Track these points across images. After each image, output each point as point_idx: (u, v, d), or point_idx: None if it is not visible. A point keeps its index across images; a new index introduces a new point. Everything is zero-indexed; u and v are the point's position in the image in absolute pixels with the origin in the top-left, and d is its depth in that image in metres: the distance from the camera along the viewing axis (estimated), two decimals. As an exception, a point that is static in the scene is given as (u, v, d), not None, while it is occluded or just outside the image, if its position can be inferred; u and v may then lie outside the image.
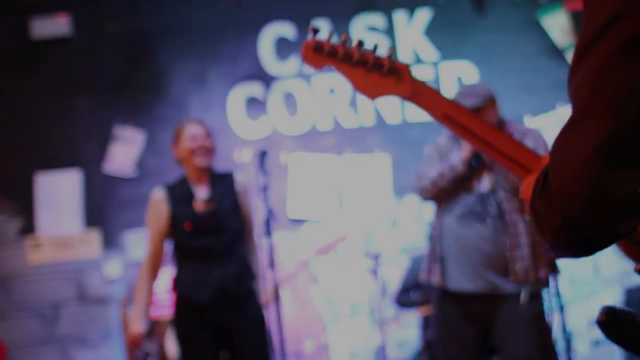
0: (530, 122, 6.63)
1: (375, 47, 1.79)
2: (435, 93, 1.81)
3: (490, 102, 4.11)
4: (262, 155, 4.47)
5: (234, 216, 4.51)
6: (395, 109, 6.78)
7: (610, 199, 1.13)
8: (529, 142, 4.08)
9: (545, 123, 6.63)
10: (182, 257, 4.50)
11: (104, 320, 6.40)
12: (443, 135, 4.32)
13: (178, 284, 4.46)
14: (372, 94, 1.82)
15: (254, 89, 6.83)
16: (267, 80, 6.84)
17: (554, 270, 4.04)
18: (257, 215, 4.71)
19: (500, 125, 4.18)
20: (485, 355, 4.17)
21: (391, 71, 1.79)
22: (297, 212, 6.47)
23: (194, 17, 6.86)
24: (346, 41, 1.80)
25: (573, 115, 1.19)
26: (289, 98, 6.81)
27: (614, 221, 1.15)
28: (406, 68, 1.81)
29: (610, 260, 6.49)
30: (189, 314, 4.42)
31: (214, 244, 4.40)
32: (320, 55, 1.81)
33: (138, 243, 6.24)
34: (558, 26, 6.95)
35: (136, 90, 6.79)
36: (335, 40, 1.80)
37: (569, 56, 6.87)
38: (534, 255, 3.97)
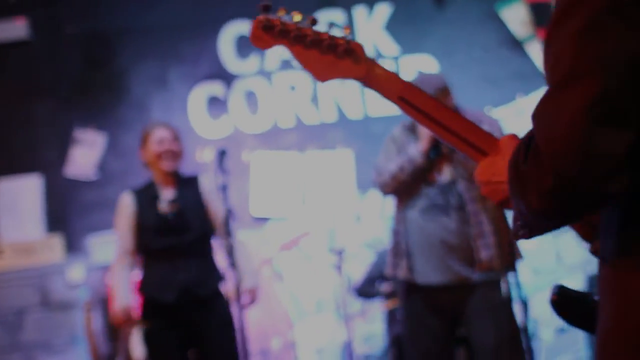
0: (490, 113, 6.64)
1: (331, 26, 1.70)
2: (391, 75, 1.71)
3: (442, 92, 4.10)
4: (221, 154, 4.45)
5: (200, 217, 4.51)
6: (356, 104, 6.79)
7: (603, 155, 1.14)
8: (485, 128, 4.08)
9: (506, 114, 6.65)
10: (148, 258, 4.52)
11: (69, 325, 6.35)
12: (400, 127, 4.32)
13: (144, 285, 4.48)
14: (324, 76, 1.72)
15: (215, 88, 6.81)
16: (227, 79, 6.82)
17: (518, 256, 4.04)
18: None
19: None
20: (454, 345, 4.20)
21: (347, 52, 1.69)
22: (261, 210, 6.46)
23: (153, 17, 6.82)
24: (300, 21, 1.69)
25: (557, 80, 1.19)
26: (250, 96, 6.80)
27: (606, 178, 1.16)
28: (361, 48, 1.72)
29: (572, 248, 6.53)
30: (155, 315, 4.42)
31: (179, 244, 4.41)
32: (271, 34, 1.68)
33: (101, 247, 6.21)
34: (517, 18, 6.98)
35: (96, 93, 6.74)
36: (287, 18, 1.68)
37: (528, 47, 6.91)
38: (498, 243, 3.99)
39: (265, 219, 6.48)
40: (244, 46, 6.82)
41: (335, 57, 1.69)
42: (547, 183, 1.20)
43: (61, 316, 6.36)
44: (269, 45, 1.69)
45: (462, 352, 4.56)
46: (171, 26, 6.84)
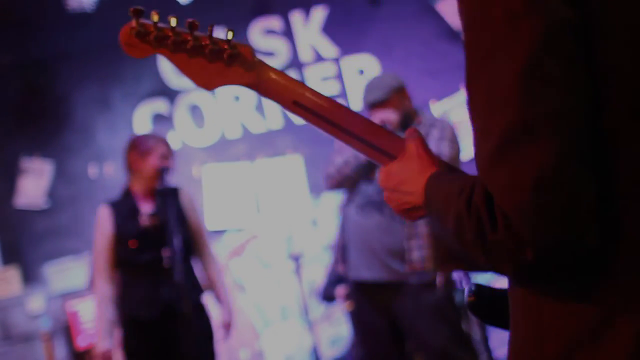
0: (436, 106, 6.71)
1: (212, 29, 1.52)
2: (284, 78, 1.56)
3: (396, 93, 4.11)
4: (162, 171, 4.41)
5: (180, 230, 4.45)
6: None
7: (579, 209, 1.07)
8: (436, 133, 4.11)
9: (451, 106, 6.72)
10: (127, 273, 4.40)
11: (32, 356, 6.27)
12: None
13: (124, 302, 4.36)
14: (210, 85, 1.55)
15: (159, 105, 6.78)
16: (170, 95, 6.79)
17: None
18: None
19: (412, 115, 4.19)
20: (398, 342, 4.18)
21: (233, 57, 1.53)
22: (216, 223, 6.44)
23: (90, 39, 6.74)
24: (177, 25, 1.50)
25: (502, 130, 1.09)
26: (195, 110, 6.78)
27: (584, 234, 1.09)
28: (250, 51, 1.55)
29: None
30: (136, 333, 4.34)
31: (160, 259, 4.30)
32: (146, 41, 1.50)
33: (58, 274, 6.15)
34: (453, 10, 7.04)
35: (39, 121, 6.66)
36: (163, 24, 1.50)
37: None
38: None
39: (221, 232, 6.47)
40: (184, 61, 6.79)
41: (223, 64, 1.53)
42: (527, 256, 1.10)
43: (24, 348, 6.26)
44: (147, 54, 1.52)
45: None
46: (109, 47, 6.72)
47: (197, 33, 1.51)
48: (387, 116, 4.02)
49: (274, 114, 6.78)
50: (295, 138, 6.73)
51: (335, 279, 5.74)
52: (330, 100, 1.56)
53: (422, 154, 1.48)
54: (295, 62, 6.90)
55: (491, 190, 1.12)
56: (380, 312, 4.11)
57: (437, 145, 4.02)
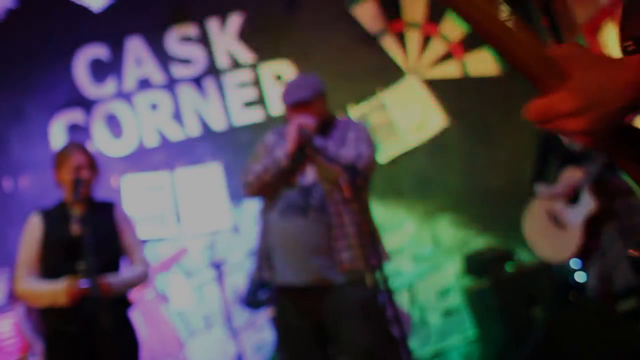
0: (354, 110, 6.76)
1: None
2: None
3: (320, 97, 4.12)
4: (77, 183, 4.35)
5: (112, 243, 4.39)
6: (220, 115, 6.78)
7: None
8: (352, 135, 4.13)
9: (368, 109, 6.77)
10: None
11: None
12: (271, 133, 4.32)
13: (47, 313, 4.27)
14: None
15: (75, 115, 6.68)
16: (86, 105, 6.70)
17: (384, 257, 4.04)
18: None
19: (328, 119, 4.21)
20: (324, 346, 4.18)
21: None
22: (138, 233, 6.37)
23: (2, 49, 6.63)
24: None
25: None
26: (112, 120, 6.70)
27: None
28: None
29: (447, 232, 6.71)
30: (60, 346, 4.25)
31: (88, 269, 4.22)
32: None
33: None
34: (368, 14, 7.11)
35: (-49, 134, 6.52)
36: None
37: (382, 42, 7.05)
38: (361, 244, 4.00)
39: (142, 242, 6.38)
40: (99, 70, 6.71)
41: None
42: None
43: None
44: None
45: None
46: (22, 56, 6.67)
47: None
48: (305, 120, 4.02)
49: (192, 121, 6.75)
50: (214, 145, 6.71)
51: (257, 285, 5.73)
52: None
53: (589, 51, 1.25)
54: (212, 69, 6.88)
55: None
56: (306, 315, 4.11)
57: (356, 146, 4.05)
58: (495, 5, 1.20)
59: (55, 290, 4.15)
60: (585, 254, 5.12)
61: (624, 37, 1.24)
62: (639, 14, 1.20)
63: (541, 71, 1.23)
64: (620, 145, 1.27)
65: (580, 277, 5.51)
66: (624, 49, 1.26)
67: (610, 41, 6.24)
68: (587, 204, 5.01)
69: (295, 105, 4.09)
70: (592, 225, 5.06)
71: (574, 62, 1.24)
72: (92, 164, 4.50)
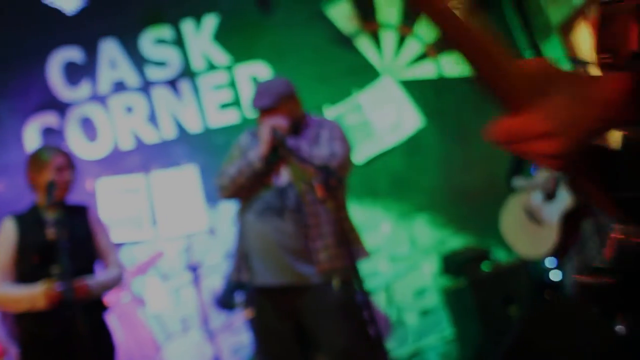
0: (329, 111, 6.76)
1: None
2: None
3: (285, 100, 4.11)
4: (50, 186, 4.32)
5: (85, 246, 4.36)
6: (195, 117, 6.77)
7: None
8: (325, 133, 4.13)
9: (344, 110, 6.78)
10: None
11: None
12: (246, 134, 4.32)
13: (22, 318, 4.23)
14: None
15: (49, 118, 6.63)
16: (61, 108, 6.66)
17: (362, 255, 4.06)
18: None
19: (301, 119, 4.21)
20: (304, 347, 4.18)
21: None
22: (112, 236, 6.33)
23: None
24: None
25: None
26: (86, 123, 6.66)
27: None
28: None
29: (424, 232, 6.73)
30: (35, 350, 4.22)
31: (63, 274, 4.18)
32: None
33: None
34: (343, 15, 7.12)
35: None
36: None
37: (357, 42, 7.06)
38: (339, 243, 4.00)
39: (118, 245, 6.36)
40: (73, 73, 6.68)
41: None
42: None
43: None
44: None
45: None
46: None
47: None
48: (277, 121, 4.02)
49: (167, 124, 6.72)
50: (189, 148, 6.69)
51: (233, 287, 5.72)
52: None
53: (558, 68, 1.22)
54: (187, 71, 6.86)
55: None
56: (285, 315, 4.11)
57: (329, 145, 4.05)
58: (466, 16, 1.18)
59: (34, 295, 4.13)
60: (562, 250, 5.15)
61: (600, 48, 1.23)
62: (614, 24, 1.19)
63: (511, 89, 1.18)
64: (586, 167, 1.23)
65: (555, 275, 5.54)
66: (601, 62, 1.24)
67: (584, 42, 6.27)
68: (564, 200, 5.04)
69: (260, 111, 4.12)
70: (570, 221, 5.08)
71: (546, 80, 1.20)
72: (72, 165, 4.48)
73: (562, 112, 1.17)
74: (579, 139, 1.17)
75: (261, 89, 4.18)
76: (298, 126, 4.14)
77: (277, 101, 4.07)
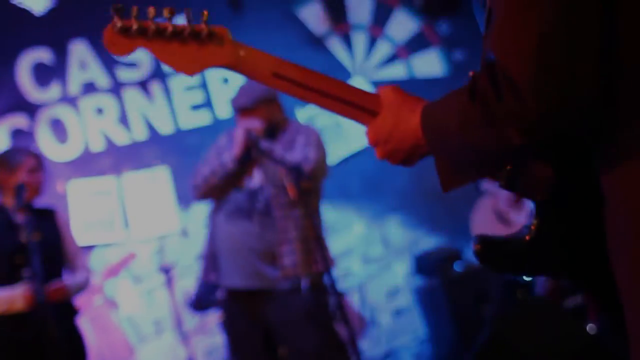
0: (301, 112, 6.76)
1: (189, 13, 1.63)
2: (259, 53, 1.67)
3: (264, 103, 4.11)
4: (20, 188, 4.28)
5: (55, 249, 4.34)
6: (166, 118, 6.73)
7: (581, 63, 1.18)
8: (301, 139, 4.13)
9: (315, 111, 6.78)
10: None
11: None
12: (223, 136, 4.32)
13: None
14: (192, 69, 1.62)
15: (18, 120, 6.56)
16: (30, 109, 6.58)
17: (328, 262, 4.02)
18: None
19: (280, 124, 4.21)
20: (271, 349, 4.18)
21: (210, 36, 1.62)
22: (84, 239, 6.28)
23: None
24: (155, 16, 1.58)
25: (508, 10, 1.22)
26: (56, 124, 6.60)
27: (588, 85, 1.19)
28: (225, 32, 1.65)
29: (396, 232, 6.75)
30: (10, 352, 4.18)
31: (34, 277, 4.14)
32: (128, 36, 1.57)
33: None
34: (313, 15, 7.12)
35: None
36: (142, 16, 1.58)
37: (328, 43, 7.07)
38: (305, 249, 4.00)
39: (90, 247, 6.32)
40: (42, 74, 6.61)
41: (199, 45, 1.61)
42: (532, 117, 1.20)
43: None
44: (131, 49, 1.59)
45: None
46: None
47: (175, 21, 1.59)
48: (252, 123, 4.03)
49: (138, 125, 6.68)
50: (161, 149, 6.65)
51: (206, 289, 5.70)
52: (304, 68, 1.64)
53: (405, 96, 1.56)
54: (159, 73, 6.82)
55: (500, 62, 1.22)
56: (253, 319, 4.11)
57: (303, 150, 4.06)
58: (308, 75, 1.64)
59: (12, 296, 4.10)
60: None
61: (482, 54, 1.36)
62: (491, 32, 1.29)
63: (357, 109, 1.59)
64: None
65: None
66: (470, 75, 1.38)
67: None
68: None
69: (239, 110, 4.12)
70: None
71: (383, 104, 1.56)
72: (43, 166, 4.46)
73: (381, 129, 1.55)
74: (398, 153, 1.56)
75: (242, 89, 4.18)
76: (275, 130, 4.15)
77: (255, 103, 4.08)
